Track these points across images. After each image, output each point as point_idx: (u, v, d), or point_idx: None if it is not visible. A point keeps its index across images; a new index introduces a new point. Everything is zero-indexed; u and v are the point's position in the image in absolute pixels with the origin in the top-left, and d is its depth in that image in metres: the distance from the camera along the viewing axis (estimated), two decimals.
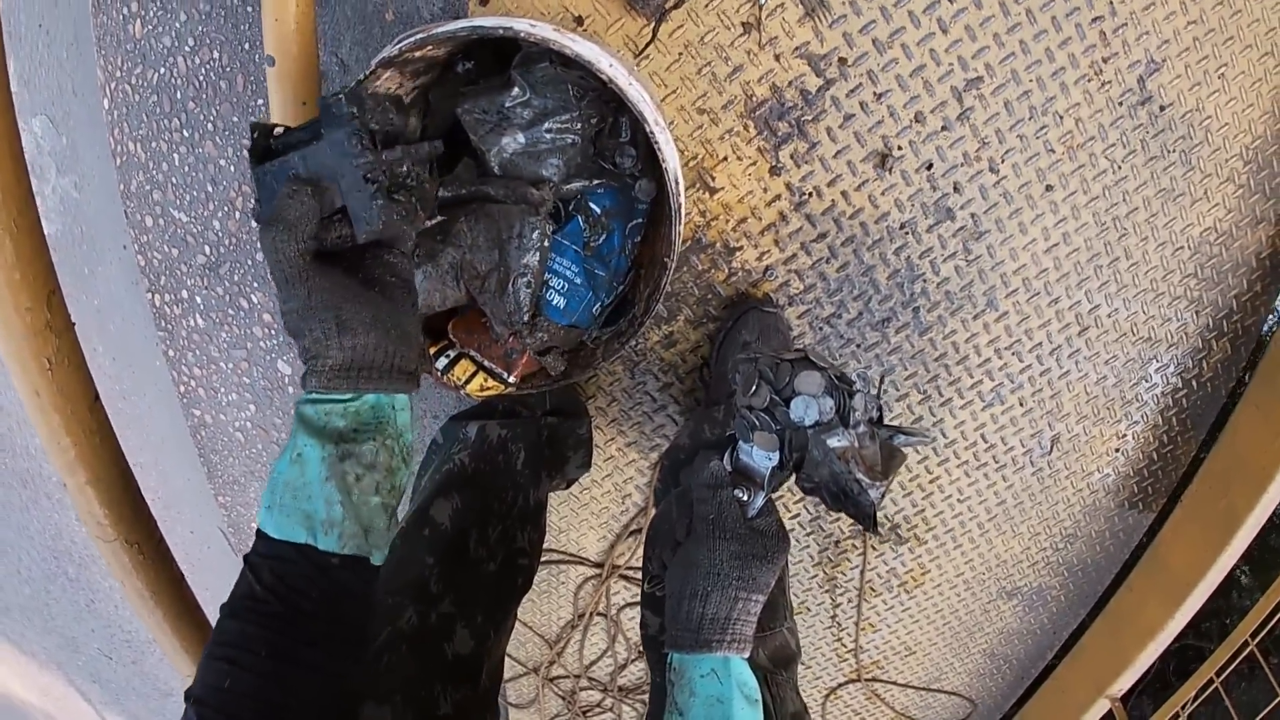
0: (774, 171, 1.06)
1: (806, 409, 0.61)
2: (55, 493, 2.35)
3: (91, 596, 2.68)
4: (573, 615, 1.56)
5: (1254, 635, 1.35)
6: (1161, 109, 1.07)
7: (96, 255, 1.70)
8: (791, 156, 1.05)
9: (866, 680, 1.64)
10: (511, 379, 0.82)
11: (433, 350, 0.84)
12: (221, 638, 0.53)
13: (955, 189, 1.08)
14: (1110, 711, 1.51)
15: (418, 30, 0.64)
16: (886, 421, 0.65)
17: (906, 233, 1.10)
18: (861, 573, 1.44)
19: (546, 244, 0.75)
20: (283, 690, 0.52)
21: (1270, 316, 1.28)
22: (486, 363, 0.82)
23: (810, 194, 1.07)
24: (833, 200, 1.07)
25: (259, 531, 0.56)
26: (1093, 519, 1.43)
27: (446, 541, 0.85)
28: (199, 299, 1.67)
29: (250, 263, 1.59)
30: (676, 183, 0.67)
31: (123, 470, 0.87)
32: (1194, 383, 1.31)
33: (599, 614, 1.54)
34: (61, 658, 3.05)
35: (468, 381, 0.83)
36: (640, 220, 0.84)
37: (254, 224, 1.52)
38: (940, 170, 1.06)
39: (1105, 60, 1.01)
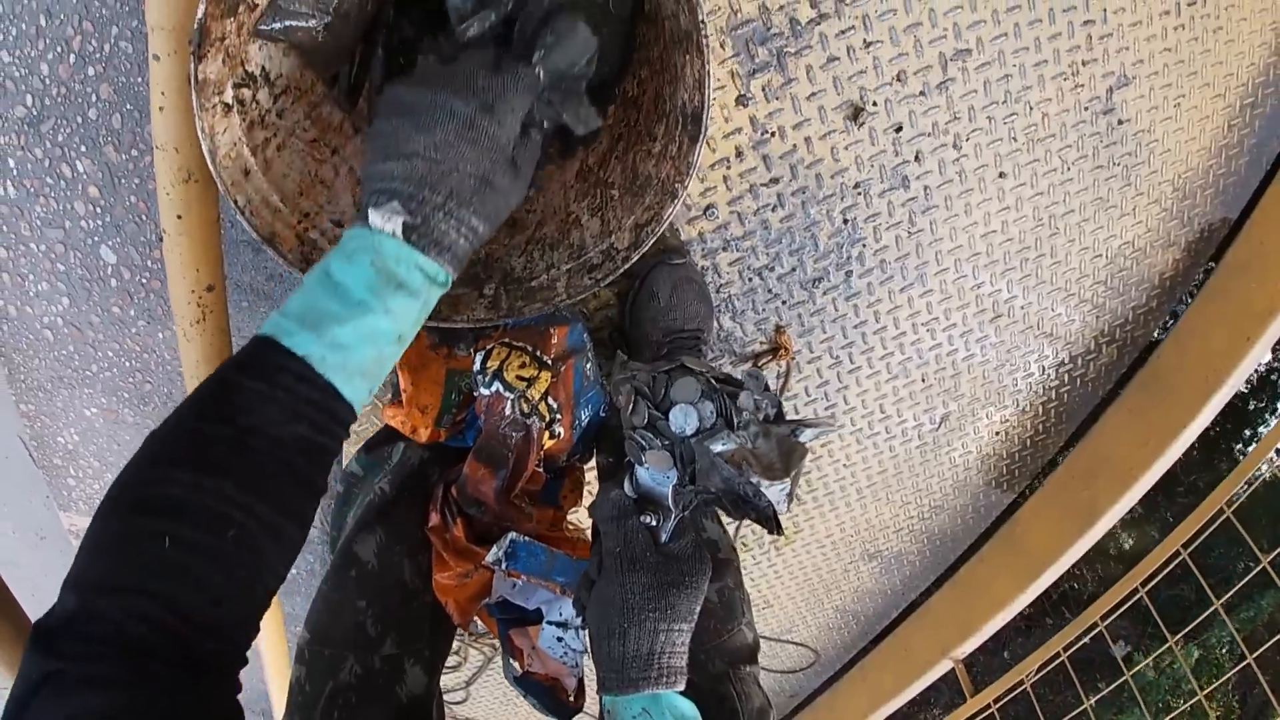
0: (741, 101, 1.05)
1: (686, 418, 0.62)
2: None
3: None
4: None
5: (1103, 618, 1.61)
6: (1120, 122, 1.17)
7: None
8: (763, 89, 1.04)
9: None
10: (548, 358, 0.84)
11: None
12: None
13: (917, 158, 1.13)
14: (953, 671, 1.76)
15: None
16: (787, 415, 0.67)
17: (859, 193, 1.15)
18: (735, 532, 1.55)
19: None
20: None
21: (1156, 332, 1.47)
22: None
23: (773, 133, 1.08)
24: (794, 144, 1.09)
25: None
26: (960, 494, 1.62)
27: (376, 579, 0.83)
28: (11, 162, 1.41)
29: (80, 120, 1.36)
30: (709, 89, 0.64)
31: None
32: (1077, 381, 1.49)
33: None
34: None
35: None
36: None
37: (89, 72, 1.29)
38: (908, 135, 1.10)
39: (1084, 64, 1.08)
